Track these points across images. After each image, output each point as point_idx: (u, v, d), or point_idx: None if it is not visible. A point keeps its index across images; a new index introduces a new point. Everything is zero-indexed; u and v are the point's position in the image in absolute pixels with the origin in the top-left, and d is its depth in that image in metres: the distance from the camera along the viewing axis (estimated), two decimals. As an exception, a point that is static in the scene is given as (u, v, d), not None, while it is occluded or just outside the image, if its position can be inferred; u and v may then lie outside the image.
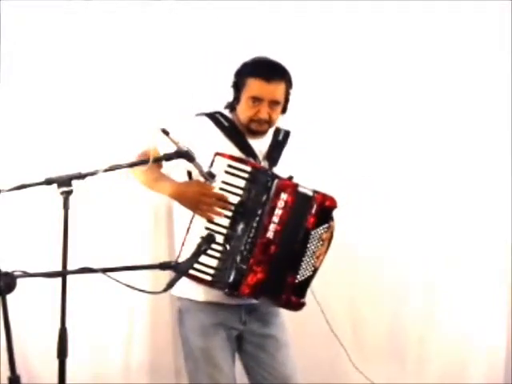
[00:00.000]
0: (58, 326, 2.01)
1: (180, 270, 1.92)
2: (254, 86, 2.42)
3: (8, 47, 2.80)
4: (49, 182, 2.03)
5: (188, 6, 3.00)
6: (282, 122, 2.62)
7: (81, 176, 2.05)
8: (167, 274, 2.07)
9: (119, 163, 2.15)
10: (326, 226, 2.48)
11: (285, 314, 2.61)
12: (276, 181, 2.39)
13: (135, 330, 2.99)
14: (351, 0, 3.15)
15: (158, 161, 2.30)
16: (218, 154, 2.33)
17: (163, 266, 1.93)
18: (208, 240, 2.02)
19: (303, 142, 2.92)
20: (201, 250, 1.98)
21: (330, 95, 3.17)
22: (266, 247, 2.38)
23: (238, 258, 2.36)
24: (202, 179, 2.32)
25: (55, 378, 2.00)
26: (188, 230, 2.35)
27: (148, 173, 2.46)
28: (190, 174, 2.46)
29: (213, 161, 2.33)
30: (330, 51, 3.15)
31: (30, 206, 2.76)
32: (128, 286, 1.89)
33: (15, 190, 2.02)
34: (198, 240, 2.03)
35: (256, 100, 2.42)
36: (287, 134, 2.62)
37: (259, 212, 2.37)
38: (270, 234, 2.38)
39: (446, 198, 3.27)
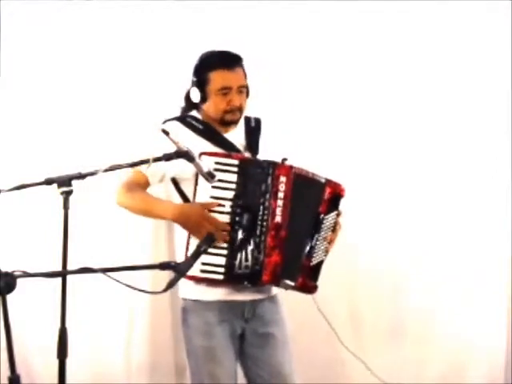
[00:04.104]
0: (58, 326, 2.01)
1: (180, 270, 1.92)
2: (218, 77, 2.45)
3: (8, 47, 2.80)
4: (49, 181, 2.02)
5: (189, 6, 3.01)
6: (282, 111, 2.71)
7: (81, 176, 2.04)
8: (167, 274, 2.06)
9: (119, 163, 2.14)
10: (336, 212, 2.52)
11: (284, 313, 2.61)
12: (272, 166, 2.40)
13: (135, 330, 3.00)
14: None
15: (158, 161, 2.29)
16: (202, 153, 2.32)
17: (163, 266, 1.93)
18: (207, 240, 2.02)
19: (305, 136, 2.94)
20: (200, 251, 1.98)
21: (325, 86, 3.18)
22: (277, 232, 2.39)
23: (252, 249, 2.37)
24: (202, 180, 2.31)
25: (55, 378, 2.00)
26: (188, 240, 2.35)
27: (136, 195, 2.45)
28: (174, 181, 2.46)
29: None
30: (327, 44, 3.17)
31: (30, 205, 2.76)
32: (128, 285, 1.88)
33: (15, 189, 2.01)
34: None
35: (225, 90, 2.45)
36: (258, 121, 2.63)
37: (262, 200, 2.38)
38: (278, 219, 2.39)
39: (446, 198, 3.27)
